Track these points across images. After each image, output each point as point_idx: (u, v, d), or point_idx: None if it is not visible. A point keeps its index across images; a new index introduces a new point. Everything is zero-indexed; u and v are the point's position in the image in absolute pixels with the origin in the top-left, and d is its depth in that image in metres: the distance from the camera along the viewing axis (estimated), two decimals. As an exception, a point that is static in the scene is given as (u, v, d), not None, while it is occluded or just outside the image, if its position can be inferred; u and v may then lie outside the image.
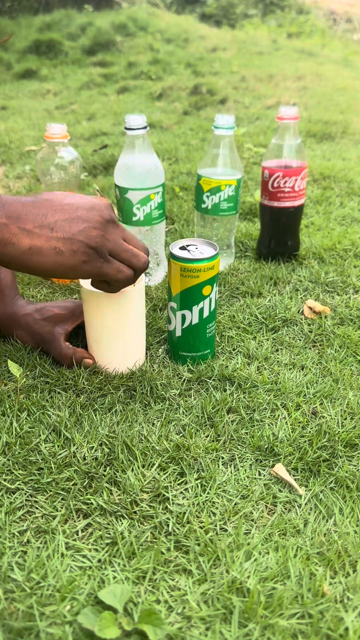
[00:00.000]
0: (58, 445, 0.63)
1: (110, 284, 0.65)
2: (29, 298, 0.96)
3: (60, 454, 0.62)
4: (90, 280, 0.73)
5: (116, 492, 0.58)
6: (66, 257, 0.58)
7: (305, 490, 0.59)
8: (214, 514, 0.56)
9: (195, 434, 0.66)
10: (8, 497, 0.57)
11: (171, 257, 0.74)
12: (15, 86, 3.64)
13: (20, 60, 4.34)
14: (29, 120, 2.52)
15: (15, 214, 0.57)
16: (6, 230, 0.56)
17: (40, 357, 0.78)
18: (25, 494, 0.58)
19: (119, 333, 0.73)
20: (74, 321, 0.79)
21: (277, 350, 0.83)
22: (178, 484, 0.59)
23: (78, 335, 0.83)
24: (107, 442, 0.64)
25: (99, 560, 0.51)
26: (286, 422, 0.68)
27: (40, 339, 0.78)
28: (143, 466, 0.61)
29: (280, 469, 0.61)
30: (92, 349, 0.76)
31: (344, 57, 4.64)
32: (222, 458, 0.63)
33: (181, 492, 0.58)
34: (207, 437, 0.66)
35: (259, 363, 0.79)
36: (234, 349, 0.82)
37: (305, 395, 0.73)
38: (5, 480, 0.59)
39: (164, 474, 0.60)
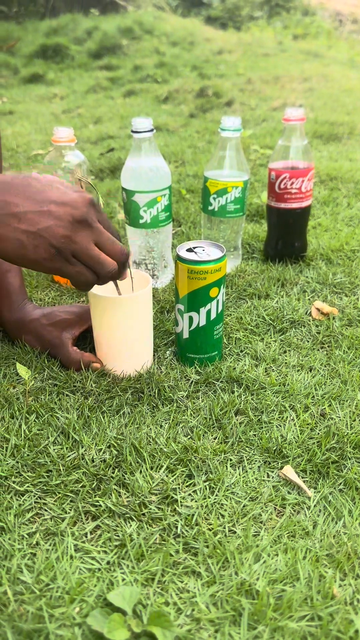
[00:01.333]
0: (66, 448, 0.63)
1: (73, 284, 0.63)
2: (36, 301, 0.96)
3: (68, 456, 0.62)
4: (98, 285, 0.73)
5: (124, 494, 0.58)
6: (29, 251, 0.57)
7: (314, 492, 0.59)
8: (223, 516, 0.56)
9: (203, 435, 0.66)
10: (17, 500, 0.57)
11: (178, 259, 0.74)
12: (22, 90, 3.66)
13: (27, 65, 4.36)
14: (36, 125, 2.54)
15: None
16: None
17: (49, 359, 0.78)
18: (34, 496, 0.58)
19: (126, 336, 0.74)
20: (82, 326, 0.79)
21: (285, 352, 0.82)
22: (186, 486, 0.59)
23: (86, 339, 0.83)
24: (116, 444, 0.64)
25: (108, 562, 0.51)
26: (294, 424, 0.68)
27: (48, 344, 0.78)
28: (151, 468, 0.61)
29: (288, 471, 0.61)
30: (100, 352, 0.77)
31: (350, 58, 4.63)
32: (231, 460, 0.63)
33: (189, 494, 0.58)
34: (215, 439, 0.66)
35: (267, 365, 0.79)
36: (241, 351, 0.82)
37: (313, 396, 0.73)
38: (14, 482, 0.59)
39: (172, 476, 0.60)
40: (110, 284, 0.72)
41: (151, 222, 0.93)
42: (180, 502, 0.57)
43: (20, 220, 0.56)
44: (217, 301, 0.75)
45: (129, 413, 0.69)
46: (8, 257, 0.58)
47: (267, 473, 0.61)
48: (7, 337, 0.85)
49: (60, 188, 0.59)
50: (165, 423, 0.68)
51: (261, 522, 0.56)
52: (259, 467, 0.62)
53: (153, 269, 0.99)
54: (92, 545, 0.53)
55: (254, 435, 0.66)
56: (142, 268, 0.99)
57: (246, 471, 0.61)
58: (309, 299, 0.96)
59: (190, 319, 0.75)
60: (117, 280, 0.69)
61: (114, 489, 0.58)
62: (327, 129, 2.20)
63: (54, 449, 0.63)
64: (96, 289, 0.72)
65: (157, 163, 0.92)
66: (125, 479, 0.59)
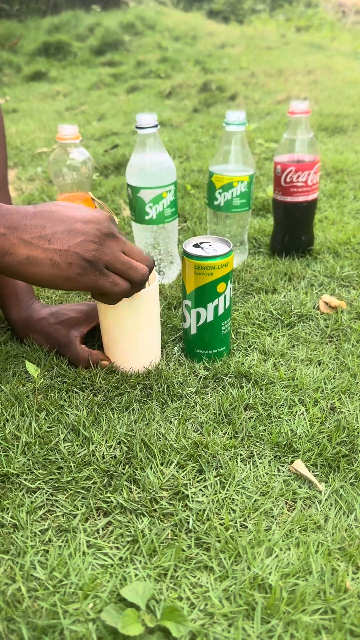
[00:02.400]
0: (77, 445, 0.63)
1: (107, 296, 0.65)
2: (44, 299, 0.97)
3: (79, 453, 0.62)
4: None
5: (136, 490, 0.58)
6: (62, 269, 0.59)
7: (325, 486, 0.59)
8: (234, 510, 0.56)
9: (213, 431, 0.66)
10: (29, 497, 0.58)
11: (185, 255, 0.74)
12: (25, 88, 3.66)
13: (29, 63, 4.36)
14: (40, 122, 2.54)
15: (15, 224, 0.57)
16: (5, 240, 0.57)
17: (57, 357, 0.79)
18: (46, 493, 0.58)
19: (134, 332, 0.74)
20: (89, 324, 0.80)
21: (293, 346, 0.82)
22: (197, 482, 0.59)
23: (94, 336, 0.83)
24: (126, 441, 0.64)
25: (121, 558, 0.51)
26: (304, 418, 0.68)
27: (56, 342, 0.79)
28: (162, 464, 0.61)
29: (299, 465, 0.61)
30: (108, 349, 0.77)
31: (353, 50, 4.60)
32: (241, 455, 0.63)
33: (200, 490, 0.58)
34: (224, 434, 0.66)
35: (275, 359, 0.79)
36: (249, 346, 0.82)
37: (323, 390, 0.72)
38: (25, 480, 0.59)
39: (183, 472, 0.60)
40: None
41: (157, 218, 0.93)
42: (192, 497, 0.57)
43: (50, 241, 0.58)
44: (225, 296, 0.74)
45: (138, 409, 0.69)
46: (42, 279, 0.59)
47: (278, 467, 0.61)
48: (16, 336, 0.85)
49: (78, 209, 0.62)
50: (175, 419, 0.68)
51: (272, 517, 0.56)
52: (269, 461, 0.62)
53: (159, 265, 0.99)
54: (105, 541, 0.53)
55: (264, 430, 0.66)
56: None
57: (256, 466, 0.61)
58: (316, 293, 0.96)
59: (198, 314, 0.75)
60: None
61: (125, 485, 0.58)
62: (332, 121, 2.19)
63: (65, 446, 0.63)
64: None
65: (162, 159, 0.92)
66: (136, 475, 0.60)
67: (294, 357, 0.79)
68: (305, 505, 0.57)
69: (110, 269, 0.62)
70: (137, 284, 0.65)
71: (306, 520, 0.55)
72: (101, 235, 0.61)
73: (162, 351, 0.81)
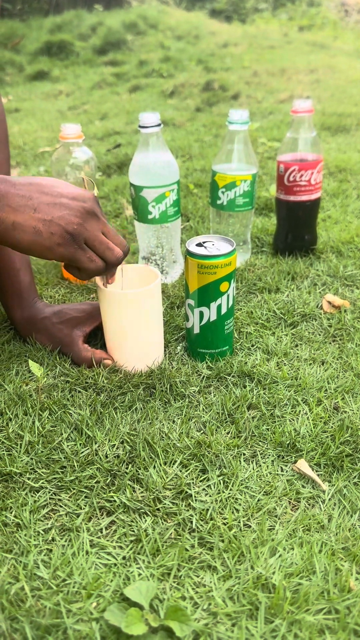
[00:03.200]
0: (80, 444, 0.63)
1: (80, 271, 0.67)
2: (46, 298, 0.97)
3: (82, 452, 0.62)
4: (99, 280, 0.74)
5: (139, 489, 0.58)
6: (43, 238, 0.61)
7: (329, 485, 0.59)
8: (237, 510, 0.56)
9: (216, 430, 0.66)
10: (32, 496, 0.58)
11: (188, 254, 0.73)
12: (28, 88, 3.66)
13: (32, 62, 4.36)
14: (42, 122, 2.54)
15: (3, 192, 0.60)
16: None
17: (60, 356, 0.79)
18: (49, 492, 0.58)
19: (137, 332, 0.74)
20: (92, 323, 0.80)
21: (296, 346, 0.82)
22: (200, 481, 0.59)
23: (96, 336, 0.83)
24: (129, 440, 0.64)
25: (124, 558, 0.51)
26: (308, 418, 0.67)
27: (59, 342, 0.79)
28: (165, 463, 0.61)
29: (302, 465, 0.61)
30: (110, 348, 0.77)
31: (356, 49, 4.59)
32: (244, 454, 0.63)
33: (204, 489, 0.58)
34: (228, 433, 0.66)
35: (279, 359, 0.79)
36: (252, 345, 0.82)
37: (326, 390, 0.72)
38: (29, 479, 0.59)
39: (186, 471, 0.60)
40: (118, 282, 0.73)
41: (160, 218, 0.93)
42: (195, 496, 0.57)
43: (36, 211, 0.61)
44: (228, 296, 0.74)
45: (141, 409, 0.69)
46: (23, 245, 0.62)
47: (281, 467, 0.61)
48: (19, 335, 0.85)
49: (65, 185, 0.65)
50: (178, 418, 0.68)
51: (276, 516, 0.55)
52: (272, 461, 0.62)
53: (162, 265, 0.99)
54: (108, 540, 0.53)
55: (267, 429, 0.66)
56: (151, 263, 0.99)
57: (260, 465, 0.61)
58: (319, 292, 0.96)
59: (201, 314, 0.75)
60: (118, 276, 0.74)
61: (128, 484, 0.58)
62: (335, 120, 2.19)
63: (68, 445, 0.63)
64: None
65: (165, 158, 0.92)
66: (139, 474, 0.60)
67: (297, 357, 0.79)
68: (309, 504, 0.57)
69: (89, 246, 0.65)
70: (111, 265, 0.68)
71: (310, 519, 0.55)
72: (85, 212, 0.63)
73: (165, 350, 0.80)
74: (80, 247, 0.64)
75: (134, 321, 0.73)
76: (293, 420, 0.67)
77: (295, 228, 1.07)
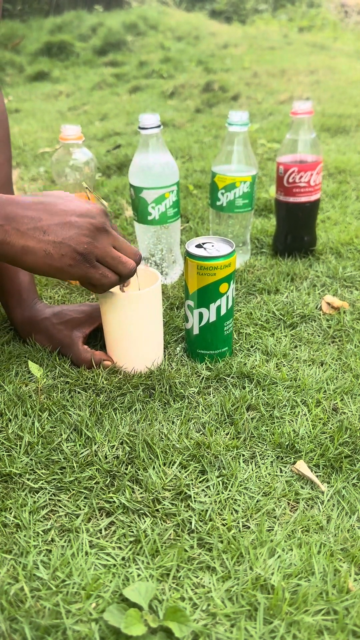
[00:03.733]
0: (79, 445, 0.64)
1: (95, 286, 0.67)
2: (46, 299, 0.97)
3: (82, 453, 0.62)
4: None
5: (138, 490, 0.58)
6: (55, 260, 0.62)
7: (328, 486, 0.59)
8: (236, 511, 0.56)
9: (215, 431, 0.66)
10: (32, 497, 0.58)
11: (187, 255, 0.74)
12: (28, 89, 3.67)
13: (32, 63, 4.37)
14: (42, 122, 2.54)
15: (12, 215, 0.60)
16: (2, 230, 0.60)
17: (60, 357, 0.79)
18: (49, 493, 0.58)
19: (136, 333, 0.74)
20: (92, 324, 0.80)
21: (295, 347, 0.82)
22: (199, 482, 0.59)
23: (96, 337, 0.83)
24: (128, 441, 0.64)
25: (123, 558, 0.52)
26: (307, 419, 0.68)
27: (59, 343, 0.79)
28: (164, 464, 0.61)
29: (301, 466, 0.61)
30: (110, 349, 0.77)
31: (356, 50, 4.60)
32: (243, 455, 0.63)
33: (203, 490, 0.58)
34: (227, 434, 0.66)
35: (278, 360, 0.79)
36: (252, 346, 0.82)
37: (325, 391, 0.72)
38: (28, 479, 0.60)
39: (185, 472, 0.60)
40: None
41: (159, 219, 0.93)
42: (194, 497, 0.57)
43: (45, 233, 0.61)
44: (227, 297, 0.74)
45: (140, 410, 0.69)
46: (36, 268, 0.62)
47: (280, 468, 0.61)
48: (18, 336, 0.85)
49: (73, 201, 0.64)
50: (177, 419, 0.68)
51: (275, 517, 0.56)
52: (271, 462, 0.62)
53: (162, 266, 0.99)
54: (107, 541, 0.53)
55: (266, 430, 0.66)
56: (151, 264, 0.99)
57: (259, 466, 0.61)
58: (319, 293, 0.96)
59: (200, 315, 0.75)
60: (133, 278, 0.75)
61: (128, 485, 0.59)
62: (335, 121, 2.19)
63: (67, 446, 0.63)
64: None
65: (164, 159, 0.92)
66: (138, 475, 0.60)
67: (297, 358, 0.79)
68: (308, 505, 0.57)
69: (101, 262, 0.65)
70: (124, 277, 0.68)
71: (308, 520, 0.55)
72: (94, 229, 0.63)
73: (164, 351, 0.81)
74: (92, 266, 0.64)
75: (134, 322, 0.73)
76: (292, 421, 0.68)
77: (294, 229, 1.07)
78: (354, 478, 0.60)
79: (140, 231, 0.97)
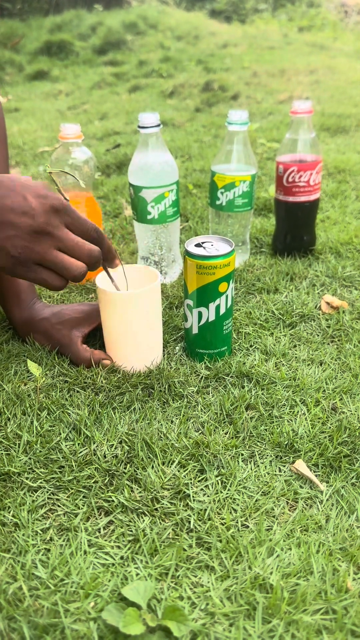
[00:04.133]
0: (78, 444, 0.64)
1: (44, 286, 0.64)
2: (45, 298, 0.97)
3: (80, 452, 0.62)
4: (107, 280, 0.73)
5: (137, 489, 0.58)
6: None
7: (326, 486, 0.59)
8: (235, 510, 0.56)
9: (214, 430, 0.66)
10: (30, 496, 0.58)
11: (187, 254, 0.73)
12: (28, 88, 3.66)
13: (31, 62, 4.36)
14: (42, 122, 2.54)
15: None
16: None
17: (59, 357, 0.79)
18: (47, 492, 0.58)
19: (135, 331, 0.74)
20: (91, 324, 0.80)
21: (294, 346, 0.82)
22: (198, 481, 0.59)
23: (95, 336, 0.83)
24: (127, 440, 0.64)
25: (122, 557, 0.51)
26: (306, 418, 0.68)
27: (57, 342, 0.79)
28: (163, 463, 0.61)
29: (300, 465, 0.61)
30: (109, 348, 0.77)
31: (356, 50, 4.60)
32: (242, 455, 0.63)
33: (202, 489, 0.58)
34: (226, 434, 0.66)
35: (277, 359, 0.79)
36: (251, 346, 0.82)
37: (324, 391, 0.72)
38: (27, 478, 0.59)
39: (184, 471, 0.60)
40: (111, 280, 0.73)
41: (159, 218, 0.93)
42: (193, 496, 0.57)
43: None
44: (226, 296, 0.74)
45: (139, 409, 0.69)
46: None
47: (279, 467, 0.61)
48: (18, 335, 0.85)
49: (20, 194, 0.58)
50: (176, 418, 0.68)
51: (274, 517, 0.56)
52: (270, 461, 0.62)
53: (161, 265, 0.99)
54: (106, 540, 0.53)
55: (265, 429, 0.66)
56: (150, 264, 0.99)
57: (258, 466, 0.61)
58: (318, 293, 0.96)
59: (200, 314, 0.75)
60: (119, 276, 0.74)
61: (127, 484, 0.59)
62: (335, 121, 2.19)
63: (66, 445, 0.63)
64: (104, 286, 0.73)
65: (164, 158, 0.92)
66: (137, 474, 0.60)
67: (296, 357, 0.79)
68: (307, 505, 0.57)
69: (43, 265, 0.60)
70: (73, 280, 0.63)
71: (307, 520, 0.55)
72: (31, 232, 0.58)
73: (163, 351, 0.81)
74: (30, 269, 0.60)
75: (133, 321, 0.73)
76: (291, 420, 0.68)
77: (294, 229, 1.07)
78: (352, 477, 0.60)
79: (140, 230, 0.97)
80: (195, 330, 0.77)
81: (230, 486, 0.59)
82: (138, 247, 1.01)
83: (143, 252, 0.99)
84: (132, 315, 0.72)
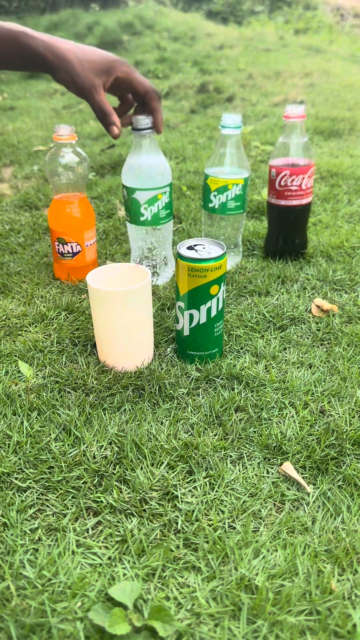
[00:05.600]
0: (68, 444, 0.64)
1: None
2: (38, 298, 0.97)
3: (70, 453, 0.63)
4: (97, 278, 0.74)
5: (126, 490, 0.59)
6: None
7: (313, 488, 0.60)
8: (223, 512, 0.57)
9: (204, 432, 0.67)
10: (19, 496, 0.58)
11: (179, 257, 0.74)
12: (23, 86, 3.65)
13: (27, 61, 4.34)
14: (37, 120, 2.53)
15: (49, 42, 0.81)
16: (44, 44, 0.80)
17: (50, 357, 0.79)
18: (36, 492, 0.58)
19: (125, 330, 0.74)
20: (109, 75, 0.84)
21: (284, 349, 0.83)
22: (187, 482, 0.60)
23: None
24: (117, 441, 0.64)
25: (109, 558, 0.52)
26: (294, 421, 0.68)
27: (80, 84, 0.82)
28: (152, 465, 0.61)
29: (288, 467, 0.62)
30: (100, 346, 0.77)
31: (351, 53, 4.62)
32: (231, 456, 0.63)
33: (190, 491, 0.59)
34: (215, 435, 0.66)
35: (267, 362, 0.79)
36: (241, 348, 0.83)
37: (313, 393, 0.73)
38: (16, 479, 0.60)
39: (173, 473, 0.61)
40: (109, 281, 0.73)
41: (152, 220, 0.94)
42: (181, 498, 0.58)
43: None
44: (218, 299, 0.75)
45: (129, 410, 0.70)
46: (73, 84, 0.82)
47: (267, 469, 0.62)
48: (9, 335, 0.85)
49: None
50: (166, 420, 0.68)
51: (261, 518, 0.56)
52: (258, 463, 0.63)
53: (154, 266, 1.00)
54: (94, 540, 0.54)
55: (254, 431, 0.67)
56: (142, 264, 0.99)
57: (246, 467, 0.62)
58: (309, 296, 0.97)
59: (191, 316, 0.76)
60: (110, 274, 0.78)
61: (115, 485, 0.59)
62: (328, 125, 2.20)
63: (56, 446, 0.64)
64: (96, 284, 0.73)
65: (158, 161, 0.93)
66: (126, 475, 0.60)
67: (285, 360, 0.80)
68: (293, 507, 0.58)
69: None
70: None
71: (294, 522, 0.55)
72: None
73: (154, 352, 0.81)
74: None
75: (123, 319, 0.73)
76: (280, 423, 0.68)
77: (286, 232, 1.07)
78: (339, 480, 0.61)
79: (132, 231, 0.97)
80: (186, 332, 0.77)
81: (218, 488, 0.59)
82: (131, 248, 1.01)
83: (135, 253, 1.00)
84: (121, 313, 0.73)
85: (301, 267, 1.06)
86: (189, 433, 0.67)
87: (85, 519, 0.56)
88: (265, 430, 0.67)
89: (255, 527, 0.55)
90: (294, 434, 0.66)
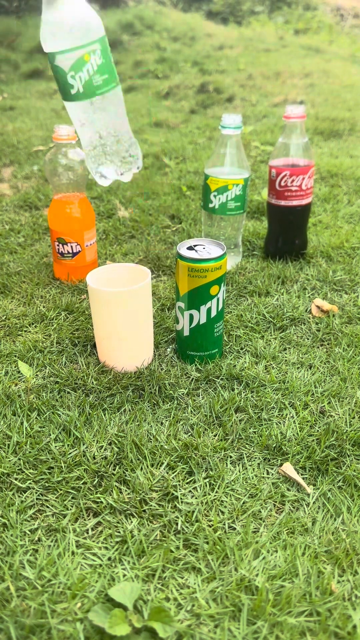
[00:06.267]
0: (68, 445, 0.64)
1: None
2: (37, 298, 0.97)
3: (70, 453, 0.63)
4: (97, 279, 0.74)
5: (125, 491, 0.58)
6: None
7: (313, 489, 0.60)
8: (223, 512, 0.57)
9: (204, 433, 0.67)
10: (19, 496, 0.58)
11: (179, 257, 0.74)
12: (23, 86, 3.65)
13: (27, 60, 4.35)
14: (37, 121, 2.53)
15: None
16: None
17: (50, 357, 0.79)
18: (36, 492, 0.58)
19: (125, 330, 0.74)
20: None
21: (284, 349, 0.83)
22: (187, 483, 0.60)
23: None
24: (117, 442, 0.64)
25: (109, 559, 0.52)
26: (294, 421, 0.68)
27: None
28: (152, 465, 0.61)
29: (288, 468, 0.61)
30: (100, 346, 0.77)
31: (351, 54, 4.62)
32: (231, 457, 0.63)
33: (190, 491, 0.59)
34: (215, 436, 0.66)
35: (267, 362, 0.79)
36: (241, 348, 0.83)
37: (313, 394, 0.73)
38: (16, 479, 0.60)
39: (173, 473, 0.60)
40: (108, 281, 0.73)
41: (85, 91, 0.71)
42: (181, 498, 0.58)
43: None
44: (218, 299, 0.75)
45: (129, 410, 0.70)
46: None
47: (267, 470, 0.62)
48: (8, 335, 0.85)
49: None
50: (166, 420, 0.68)
51: (261, 519, 0.56)
52: (258, 464, 0.63)
53: (111, 155, 0.77)
54: (94, 541, 0.54)
55: (254, 432, 0.67)
56: (96, 151, 0.77)
57: (246, 468, 0.62)
58: (309, 297, 0.97)
59: (191, 316, 0.75)
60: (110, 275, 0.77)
61: (115, 485, 0.59)
62: (328, 125, 2.20)
63: (56, 446, 0.64)
64: (96, 284, 0.73)
65: (77, 7, 0.70)
66: (126, 475, 0.60)
67: (285, 360, 0.80)
68: (293, 507, 0.58)
69: None
70: None
71: (294, 522, 0.55)
72: None
73: (154, 352, 0.81)
74: None
75: (123, 319, 0.73)
76: (280, 423, 0.68)
77: (286, 232, 1.07)
78: (339, 481, 0.61)
79: (72, 112, 0.74)
80: (186, 333, 0.77)
81: (218, 488, 0.59)
82: (81, 142, 0.78)
83: (85, 145, 0.76)
84: (121, 313, 0.73)
85: (301, 268, 1.06)
86: (189, 433, 0.67)
87: (85, 520, 0.56)
88: (265, 431, 0.67)
89: (255, 528, 0.55)
90: (294, 435, 0.66)
